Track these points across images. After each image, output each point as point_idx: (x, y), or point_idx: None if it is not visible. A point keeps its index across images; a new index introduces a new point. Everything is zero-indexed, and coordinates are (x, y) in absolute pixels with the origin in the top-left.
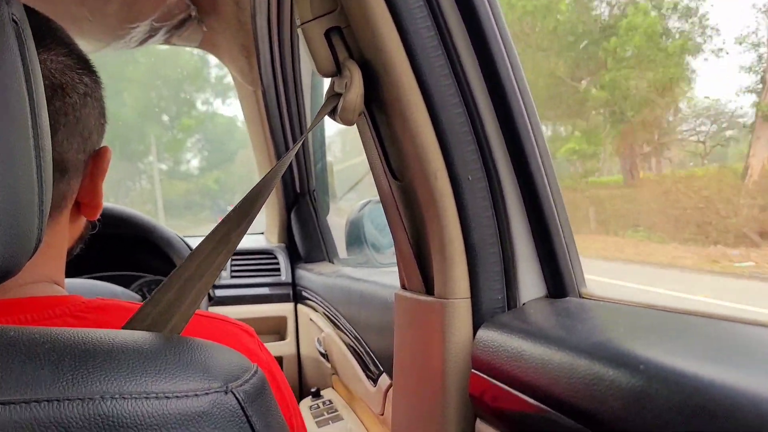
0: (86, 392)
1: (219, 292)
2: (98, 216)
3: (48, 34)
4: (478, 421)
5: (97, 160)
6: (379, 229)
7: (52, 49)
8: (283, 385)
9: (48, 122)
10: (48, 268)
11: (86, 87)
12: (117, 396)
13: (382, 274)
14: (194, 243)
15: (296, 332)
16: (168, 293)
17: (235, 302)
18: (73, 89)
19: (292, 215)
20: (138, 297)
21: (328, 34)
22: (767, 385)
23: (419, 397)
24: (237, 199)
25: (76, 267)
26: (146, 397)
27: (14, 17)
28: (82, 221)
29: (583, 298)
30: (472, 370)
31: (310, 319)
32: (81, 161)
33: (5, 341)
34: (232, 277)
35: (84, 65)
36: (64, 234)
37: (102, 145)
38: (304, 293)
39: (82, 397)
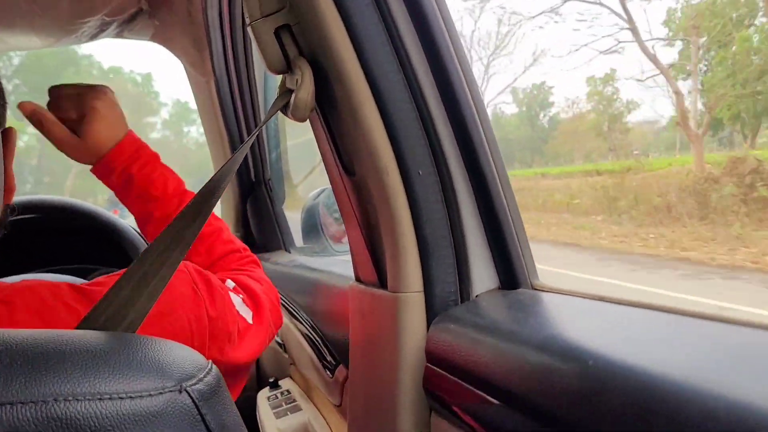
0: (39, 395)
1: None
2: (12, 199)
3: None
4: (433, 414)
5: (3, 142)
6: (335, 216)
7: None
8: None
9: None
10: None
11: None
12: (70, 398)
13: (337, 264)
14: None
15: None
16: (122, 291)
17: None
18: None
19: (248, 205)
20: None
21: (277, 32)
22: (715, 380)
23: (375, 389)
24: None
25: (31, 262)
26: (100, 398)
27: None
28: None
29: (535, 289)
30: (427, 364)
31: None
32: None
33: None
34: None
35: None
36: None
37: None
38: None
39: (35, 400)
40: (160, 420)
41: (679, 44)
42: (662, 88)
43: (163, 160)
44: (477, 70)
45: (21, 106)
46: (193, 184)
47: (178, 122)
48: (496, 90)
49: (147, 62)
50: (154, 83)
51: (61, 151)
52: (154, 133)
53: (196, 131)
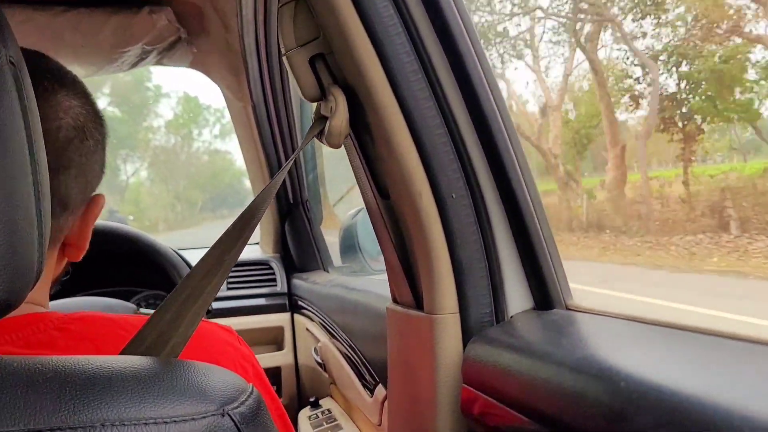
0: (87, 420)
1: (216, 305)
2: (80, 259)
3: (71, 82)
4: None
5: (92, 205)
6: (372, 236)
7: (78, 96)
8: (265, 378)
9: (45, 159)
10: (34, 296)
11: (100, 135)
12: (117, 423)
13: (376, 283)
14: (187, 255)
15: (293, 342)
16: (165, 316)
17: (233, 314)
18: (91, 135)
19: (286, 225)
20: (134, 307)
21: (312, 61)
22: (746, 401)
23: (413, 410)
24: None
25: (77, 285)
26: (145, 423)
27: (11, 59)
28: (64, 261)
29: (569, 309)
30: (463, 384)
31: (307, 329)
32: (81, 202)
33: (7, 372)
34: (229, 288)
35: (100, 117)
36: (52, 267)
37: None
38: (300, 303)
39: (83, 425)
40: None
41: None
42: None
43: (169, 173)
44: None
45: None
46: (205, 201)
47: (186, 123)
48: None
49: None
50: (151, 74)
51: None
52: (155, 139)
53: (209, 134)
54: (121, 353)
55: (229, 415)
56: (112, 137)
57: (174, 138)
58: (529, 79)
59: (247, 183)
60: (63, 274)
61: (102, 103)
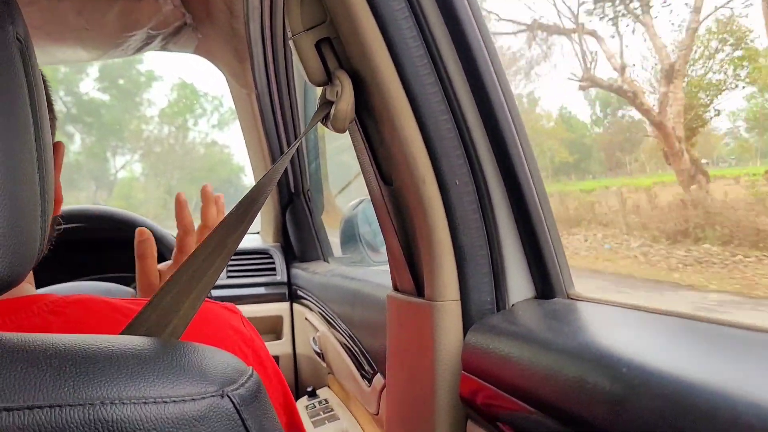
0: (87, 397)
1: (215, 293)
2: (60, 211)
3: None
4: (469, 422)
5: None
6: (373, 227)
7: None
8: (267, 360)
9: (50, 138)
10: None
11: None
12: (116, 401)
13: (376, 273)
14: None
15: (292, 331)
16: (166, 297)
17: (232, 302)
18: None
19: (287, 215)
20: (133, 292)
21: (318, 45)
22: (748, 388)
23: (412, 397)
24: None
25: (76, 270)
26: (145, 402)
27: (18, 36)
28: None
29: (571, 298)
30: (463, 372)
31: (306, 319)
32: None
33: (7, 348)
34: (229, 277)
35: None
36: None
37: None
38: (299, 292)
39: (83, 402)
40: (203, 424)
41: None
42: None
43: (162, 166)
44: None
45: (140, 231)
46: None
47: (182, 112)
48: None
49: None
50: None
51: (139, 280)
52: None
53: (206, 124)
54: (122, 334)
55: (228, 397)
56: (100, 126)
57: (168, 128)
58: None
59: (246, 179)
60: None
61: (87, 86)
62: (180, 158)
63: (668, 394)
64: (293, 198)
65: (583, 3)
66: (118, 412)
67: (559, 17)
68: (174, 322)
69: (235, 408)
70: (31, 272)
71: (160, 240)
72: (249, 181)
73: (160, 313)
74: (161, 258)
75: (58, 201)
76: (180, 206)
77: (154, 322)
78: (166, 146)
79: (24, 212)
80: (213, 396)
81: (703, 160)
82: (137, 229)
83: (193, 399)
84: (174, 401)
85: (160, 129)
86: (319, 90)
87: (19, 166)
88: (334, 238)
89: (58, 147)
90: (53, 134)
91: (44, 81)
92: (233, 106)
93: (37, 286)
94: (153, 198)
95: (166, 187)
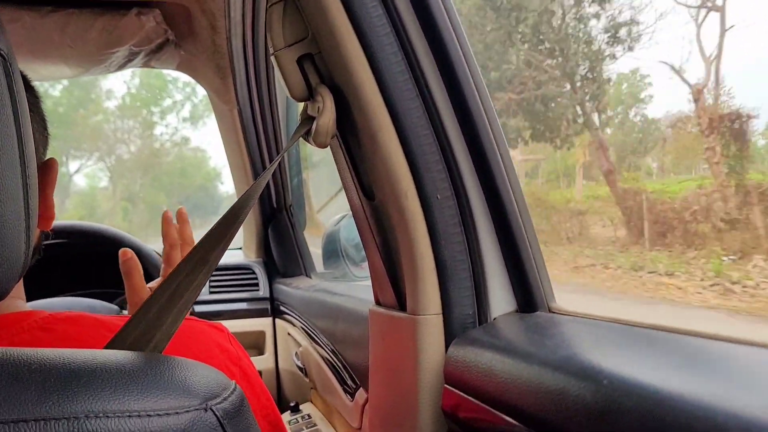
0: (71, 411)
1: (198, 308)
2: (51, 227)
3: None
4: None
5: (45, 172)
6: (355, 242)
7: None
8: (254, 378)
9: (34, 154)
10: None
11: (32, 97)
12: (101, 415)
13: (358, 288)
14: None
15: (274, 347)
16: (149, 313)
17: (214, 317)
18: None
19: (270, 230)
20: (117, 309)
21: (300, 61)
22: (725, 398)
23: (394, 411)
24: None
25: (60, 286)
26: (129, 416)
27: (2, 52)
28: (36, 233)
29: (552, 312)
30: (445, 385)
31: (288, 334)
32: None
33: None
34: (211, 292)
35: (24, 82)
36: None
37: (48, 157)
38: (282, 308)
39: (68, 416)
40: None
41: None
42: None
43: (125, 170)
44: None
45: (123, 252)
46: (171, 207)
47: (146, 103)
48: None
49: None
50: None
51: (129, 298)
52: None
53: (175, 118)
54: (106, 348)
55: (212, 410)
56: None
57: (128, 123)
58: None
59: (223, 187)
60: (35, 253)
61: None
62: (144, 161)
63: (649, 407)
64: (276, 213)
65: None
66: (102, 426)
67: None
68: (157, 337)
69: (219, 421)
70: (22, 288)
71: (146, 258)
72: (225, 188)
73: (144, 328)
74: (146, 275)
75: (50, 217)
76: (166, 222)
77: (137, 337)
78: (128, 146)
79: (8, 228)
80: (196, 409)
81: None
82: (120, 251)
83: (176, 412)
84: (158, 415)
85: (120, 125)
86: (301, 105)
87: (3, 183)
88: (315, 249)
89: (51, 164)
90: (45, 151)
91: (37, 99)
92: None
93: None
94: (111, 206)
95: (126, 193)
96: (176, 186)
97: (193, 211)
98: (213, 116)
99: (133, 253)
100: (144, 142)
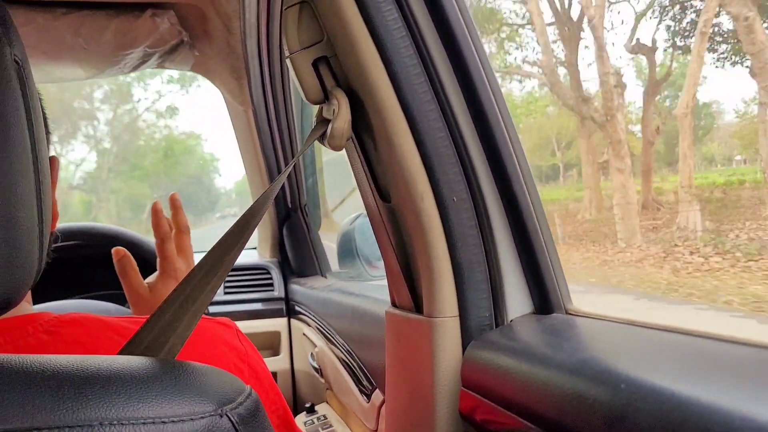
0: (85, 419)
1: (212, 309)
2: (56, 226)
3: None
4: None
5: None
6: (370, 242)
7: None
8: (263, 374)
9: (47, 157)
10: None
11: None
12: (115, 422)
13: (374, 288)
14: None
15: (290, 347)
16: (163, 317)
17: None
18: None
19: (285, 230)
20: (130, 311)
21: (315, 64)
22: (744, 404)
23: (411, 413)
24: None
25: (73, 288)
26: (143, 423)
27: (16, 58)
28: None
29: (569, 314)
30: (462, 388)
31: (304, 334)
32: None
33: (5, 371)
34: (226, 293)
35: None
36: None
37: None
38: (297, 308)
39: (82, 424)
40: None
41: None
42: None
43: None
44: None
45: (116, 251)
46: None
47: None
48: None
49: None
50: None
51: (128, 296)
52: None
53: (160, 82)
54: (119, 354)
55: (227, 416)
56: None
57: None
58: None
59: (221, 181)
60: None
61: None
62: (116, 139)
63: (666, 410)
64: (290, 213)
65: None
66: None
67: None
68: (171, 341)
69: (234, 427)
70: (29, 291)
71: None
72: (223, 183)
73: (158, 333)
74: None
75: (54, 216)
76: (156, 215)
77: (151, 342)
78: (98, 123)
79: (21, 233)
80: (212, 415)
81: None
82: (113, 250)
83: (191, 419)
84: (173, 421)
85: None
86: (315, 107)
87: (17, 188)
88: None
89: (53, 162)
90: (48, 149)
91: (40, 96)
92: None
93: (34, 303)
94: (62, 205)
95: (91, 184)
96: (164, 176)
97: (186, 207)
98: (204, 82)
99: (125, 251)
100: (115, 113)
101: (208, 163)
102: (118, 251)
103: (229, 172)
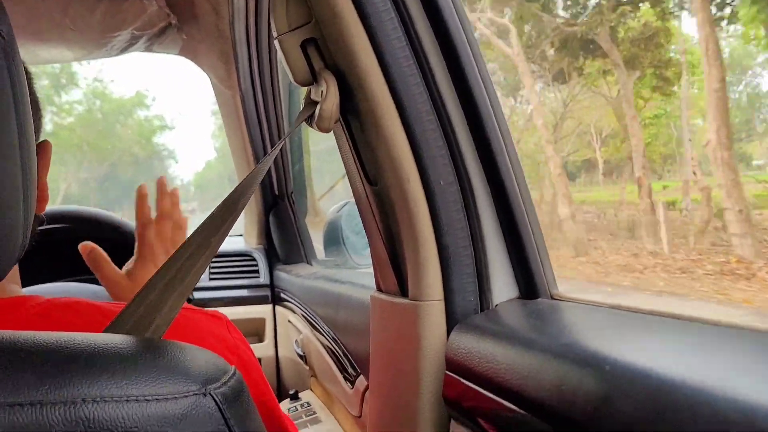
0: (68, 396)
1: (198, 294)
2: (44, 209)
3: None
4: (452, 422)
5: (38, 155)
6: (356, 230)
7: None
8: (251, 365)
9: (33, 136)
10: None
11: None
12: (98, 399)
13: (360, 275)
14: None
15: (274, 334)
16: (148, 297)
17: (214, 304)
18: None
19: (271, 217)
20: None
21: (303, 45)
22: (728, 384)
23: (395, 398)
24: None
25: (62, 271)
26: (126, 400)
27: (2, 33)
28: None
29: (554, 299)
30: (446, 372)
31: (289, 321)
32: None
33: None
34: (211, 279)
35: None
36: None
37: (42, 139)
38: (282, 295)
39: (64, 400)
40: (185, 422)
41: None
42: None
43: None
44: None
45: (83, 247)
46: (85, 184)
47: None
48: None
49: None
50: None
51: (107, 288)
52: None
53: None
54: (104, 332)
55: (211, 395)
56: None
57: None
58: None
59: (178, 169)
60: (31, 238)
61: None
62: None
63: (650, 392)
64: (277, 200)
65: None
66: (99, 411)
67: None
68: (156, 321)
69: (218, 406)
70: (17, 273)
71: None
72: (179, 171)
73: (143, 312)
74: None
75: (43, 199)
76: (140, 199)
77: (136, 321)
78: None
79: (4, 211)
80: (195, 394)
81: None
82: (80, 246)
83: (175, 398)
84: (156, 399)
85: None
86: (304, 91)
87: (1, 166)
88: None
89: (45, 146)
90: (39, 133)
91: (29, 78)
92: None
93: (23, 286)
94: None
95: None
96: (100, 151)
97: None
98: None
99: (92, 245)
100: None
101: (153, 132)
102: (84, 247)
103: (188, 160)
